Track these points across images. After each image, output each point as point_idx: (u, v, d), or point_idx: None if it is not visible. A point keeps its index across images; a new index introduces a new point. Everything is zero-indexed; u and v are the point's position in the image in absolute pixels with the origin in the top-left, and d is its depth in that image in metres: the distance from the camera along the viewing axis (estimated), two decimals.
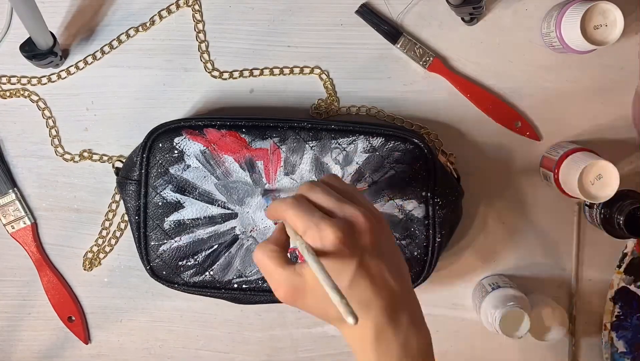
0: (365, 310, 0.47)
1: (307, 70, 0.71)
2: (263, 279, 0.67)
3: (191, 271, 0.67)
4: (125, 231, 0.73)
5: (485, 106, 0.70)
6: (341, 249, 0.46)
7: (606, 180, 0.64)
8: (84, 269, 0.74)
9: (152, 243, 0.67)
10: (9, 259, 0.74)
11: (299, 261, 0.50)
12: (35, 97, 0.72)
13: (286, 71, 0.71)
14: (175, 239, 0.66)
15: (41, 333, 0.74)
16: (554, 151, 0.69)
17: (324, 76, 0.71)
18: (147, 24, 0.71)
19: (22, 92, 0.72)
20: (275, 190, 0.65)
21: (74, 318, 0.73)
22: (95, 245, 0.73)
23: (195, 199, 0.66)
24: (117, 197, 0.73)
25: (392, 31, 0.70)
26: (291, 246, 0.51)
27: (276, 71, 0.71)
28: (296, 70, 0.71)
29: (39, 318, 0.74)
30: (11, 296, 0.74)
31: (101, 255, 0.74)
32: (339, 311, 0.42)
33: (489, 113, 0.71)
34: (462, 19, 0.70)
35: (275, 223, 0.66)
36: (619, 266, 0.72)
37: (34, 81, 0.72)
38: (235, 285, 0.67)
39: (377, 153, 0.66)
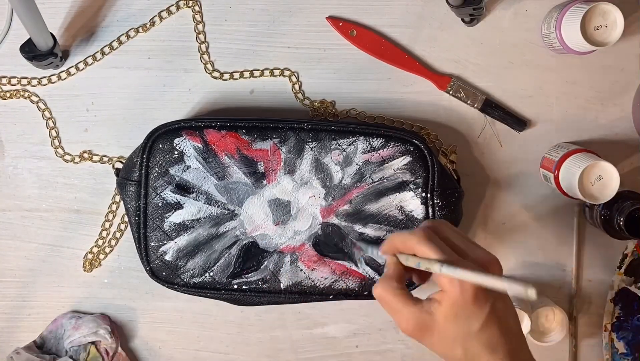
0: (492, 353, 0.48)
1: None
2: (263, 280, 0.67)
3: (191, 272, 0.67)
4: (125, 232, 0.73)
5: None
6: (477, 293, 0.47)
7: (606, 181, 0.64)
8: (84, 270, 0.74)
9: (152, 244, 0.67)
10: (9, 260, 0.74)
11: (429, 297, 0.51)
12: (35, 98, 0.72)
13: (286, 72, 0.71)
14: (175, 240, 0.66)
15: (39, 333, 0.74)
16: (554, 152, 0.69)
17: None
18: (147, 25, 0.72)
19: (22, 93, 0.72)
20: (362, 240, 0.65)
21: None
22: (95, 246, 0.73)
23: (195, 200, 0.66)
24: (117, 198, 0.73)
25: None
26: (422, 268, 0.50)
27: (276, 72, 0.71)
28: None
29: (38, 319, 0.74)
30: (11, 297, 0.74)
31: (101, 256, 0.74)
32: None
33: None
34: (463, 19, 0.70)
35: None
36: (620, 267, 0.72)
37: (34, 81, 0.72)
38: (235, 286, 0.67)
39: (378, 154, 0.66)
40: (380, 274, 0.67)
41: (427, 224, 0.53)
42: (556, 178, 0.67)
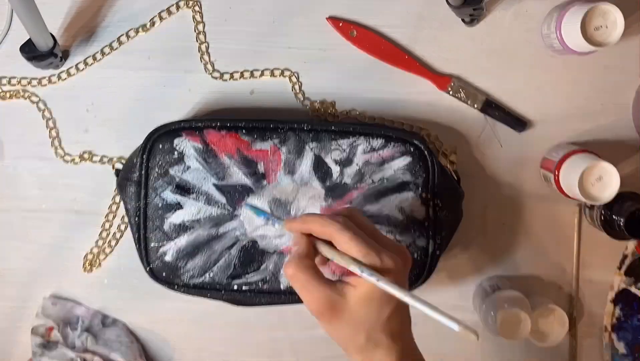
0: (393, 341, 0.50)
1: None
2: (263, 281, 0.67)
3: (191, 272, 0.67)
4: (125, 233, 0.73)
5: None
6: (395, 281, 0.48)
7: (606, 181, 0.64)
8: (84, 271, 0.74)
9: (152, 245, 0.66)
10: (9, 261, 0.74)
11: (341, 279, 0.51)
12: (35, 99, 0.72)
13: (287, 72, 0.71)
14: (175, 240, 0.66)
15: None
16: (554, 153, 0.69)
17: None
18: (148, 25, 0.71)
19: (22, 94, 0.72)
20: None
21: None
22: (95, 247, 0.73)
23: (195, 200, 0.66)
24: (117, 198, 0.73)
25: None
26: (331, 260, 0.51)
27: (277, 72, 0.71)
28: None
29: None
30: (11, 297, 0.74)
31: (101, 257, 0.74)
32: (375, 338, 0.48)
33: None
34: (463, 20, 0.70)
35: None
36: (620, 268, 0.72)
37: (34, 82, 0.72)
38: (235, 287, 0.67)
39: (378, 154, 0.66)
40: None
41: (342, 211, 0.53)
42: (556, 179, 0.67)
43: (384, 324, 0.49)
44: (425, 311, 0.46)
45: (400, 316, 0.50)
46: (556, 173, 0.67)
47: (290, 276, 0.50)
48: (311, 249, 0.51)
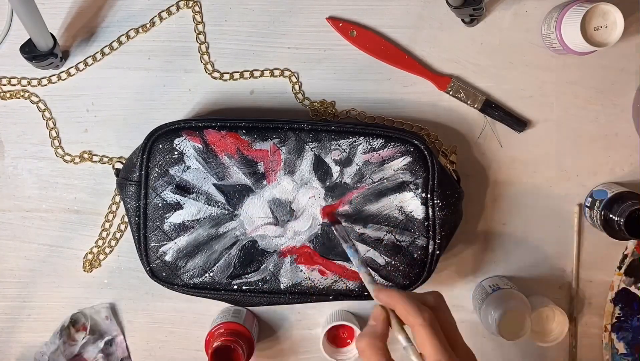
0: None
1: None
2: (263, 281, 0.67)
3: (191, 272, 0.67)
4: (125, 233, 0.73)
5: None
6: None
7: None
8: (84, 271, 0.74)
9: (152, 244, 0.66)
10: (8, 260, 0.74)
11: None
12: (35, 99, 0.72)
13: (287, 72, 0.71)
14: (175, 240, 0.66)
15: (41, 334, 0.74)
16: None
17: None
18: (147, 26, 0.72)
19: (22, 94, 0.72)
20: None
21: None
22: (95, 246, 0.73)
23: (195, 200, 0.66)
24: (117, 198, 0.73)
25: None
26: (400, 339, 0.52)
27: (276, 72, 0.71)
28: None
29: (38, 320, 0.74)
30: (11, 297, 0.74)
31: (101, 256, 0.74)
32: None
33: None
34: (463, 20, 0.70)
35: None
36: (619, 268, 0.72)
37: (34, 82, 0.72)
38: (235, 287, 0.67)
39: (378, 154, 0.66)
40: (379, 275, 0.67)
41: (430, 298, 0.52)
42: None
43: None
44: None
45: None
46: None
47: (361, 350, 0.51)
48: (387, 331, 0.52)
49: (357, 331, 0.69)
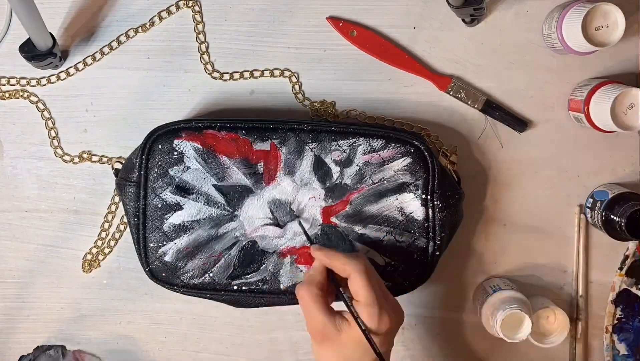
0: None
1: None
2: (263, 282, 0.67)
3: (190, 273, 0.67)
4: (125, 233, 0.73)
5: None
6: (383, 340, 0.55)
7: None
8: (83, 271, 0.74)
9: (152, 245, 0.66)
10: (8, 261, 0.74)
11: (343, 314, 0.57)
12: (34, 99, 0.72)
13: (287, 72, 0.71)
14: (175, 241, 0.66)
15: (40, 335, 0.74)
16: (578, 92, 0.68)
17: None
18: (147, 25, 0.71)
19: (21, 94, 0.72)
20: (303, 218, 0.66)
21: None
22: (94, 247, 0.73)
23: (195, 201, 0.66)
24: (117, 199, 0.73)
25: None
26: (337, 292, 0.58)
27: (276, 72, 0.71)
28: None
29: (37, 321, 0.74)
30: (10, 298, 0.74)
31: (100, 257, 0.73)
32: None
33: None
34: (463, 20, 0.70)
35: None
36: (621, 269, 0.72)
37: (34, 82, 0.72)
38: (235, 287, 0.67)
39: (378, 155, 0.66)
40: (380, 274, 0.67)
41: (363, 259, 0.57)
42: (587, 115, 0.66)
43: None
44: None
45: None
46: (586, 109, 0.66)
47: (299, 296, 0.57)
48: (324, 281, 0.57)
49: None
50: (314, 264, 0.59)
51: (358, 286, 0.55)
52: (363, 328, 0.55)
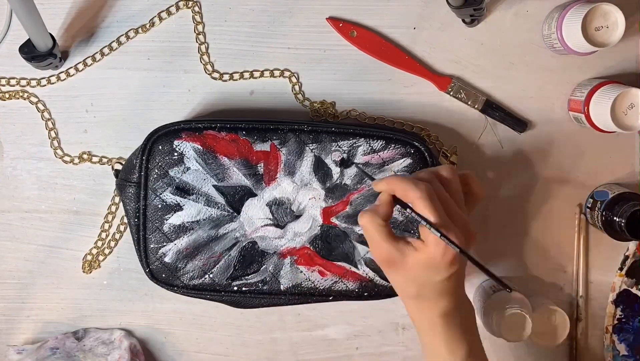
0: (440, 297, 0.56)
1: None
2: (263, 282, 0.67)
3: (191, 273, 0.67)
4: (125, 234, 0.73)
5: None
6: (454, 258, 0.54)
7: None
8: (83, 272, 0.73)
9: (152, 246, 0.66)
10: (7, 262, 0.74)
11: (407, 239, 0.56)
12: (34, 99, 0.72)
13: (287, 73, 0.71)
14: (175, 241, 0.66)
15: (39, 335, 0.74)
16: (578, 92, 0.68)
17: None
18: (147, 26, 0.71)
19: (21, 94, 0.72)
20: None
21: None
22: (94, 247, 0.73)
23: (195, 201, 0.66)
24: (117, 199, 0.73)
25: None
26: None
27: (276, 73, 0.71)
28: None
29: (37, 321, 0.74)
30: (10, 298, 0.74)
31: (100, 257, 0.73)
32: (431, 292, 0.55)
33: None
34: (463, 20, 0.70)
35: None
36: (621, 269, 0.72)
37: (34, 82, 0.72)
38: (235, 288, 0.67)
39: (378, 156, 0.66)
40: (379, 275, 0.67)
41: (431, 175, 0.56)
42: (587, 116, 0.66)
43: (434, 284, 0.55)
44: (481, 270, 0.53)
45: (453, 283, 0.55)
46: (586, 110, 0.66)
47: (363, 225, 0.56)
48: (388, 211, 0.56)
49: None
50: (380, 196, 0.57)
51: (420, 209, 0.54)
52: (432, 228, 0.53)
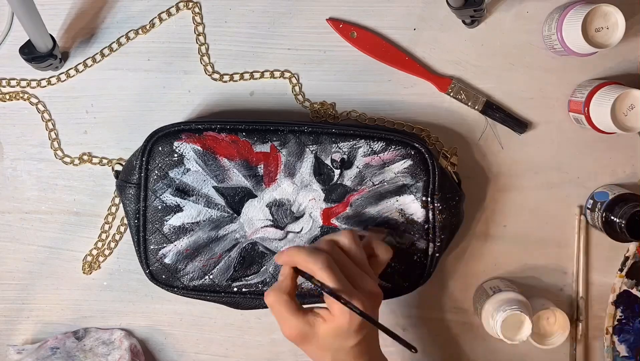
0: (356, 359, 0.57)
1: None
2: (263, 283, 0.67)
3: (191, 275, 0.67)
4: (125, 235, 0.73)
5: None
6: (361, 324, 0.55)
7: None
8: (84, 273, 0.73)
9: (152, 247, 0.66)
10: (7, 263, 0.74)
11: (314, 310, 0.57)
12: (34, 100, 0.72)
13: (287, 74, 0.71)
14: (175, 243, 0.66)
15: (39, 336, 0.74)
16: (578, 93, 0.68)
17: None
18: (147, 27, 0.71)
19: (21, 95, 0.72)
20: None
21: None
22: (94, 248, 0.73)
23: (195, 202, 0.66)
24: (117, 200, 0.73)
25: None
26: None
27: (277, 74, 0.71)
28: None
29: (37, 322, 0.74)
30: (10, 299, 0.74)
31: (100, 258, 0.73)
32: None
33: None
34: (463, 21, 0.70)
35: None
36: (621, 270, 0.72)
37: (34, 83, 0.72)
38: (235, 289, 0.67)
39: (378, 157, 0.66)
40: (380, 276, 0.67)
41: (330, 244, 0.58)
42: (587, 117, 0.66)
43: (348, 350, 0.56)
44: (385, 333, 0.55)
45: (364, 344, 0.57)
46: (586, 111, 0.66)
47: (269, 304, 0.57)
48: (292, 285, 0.57)
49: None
50: (281, 270, 0.58)
51: (323, 281, 0.55)
52: (334, 297, 0.54)
